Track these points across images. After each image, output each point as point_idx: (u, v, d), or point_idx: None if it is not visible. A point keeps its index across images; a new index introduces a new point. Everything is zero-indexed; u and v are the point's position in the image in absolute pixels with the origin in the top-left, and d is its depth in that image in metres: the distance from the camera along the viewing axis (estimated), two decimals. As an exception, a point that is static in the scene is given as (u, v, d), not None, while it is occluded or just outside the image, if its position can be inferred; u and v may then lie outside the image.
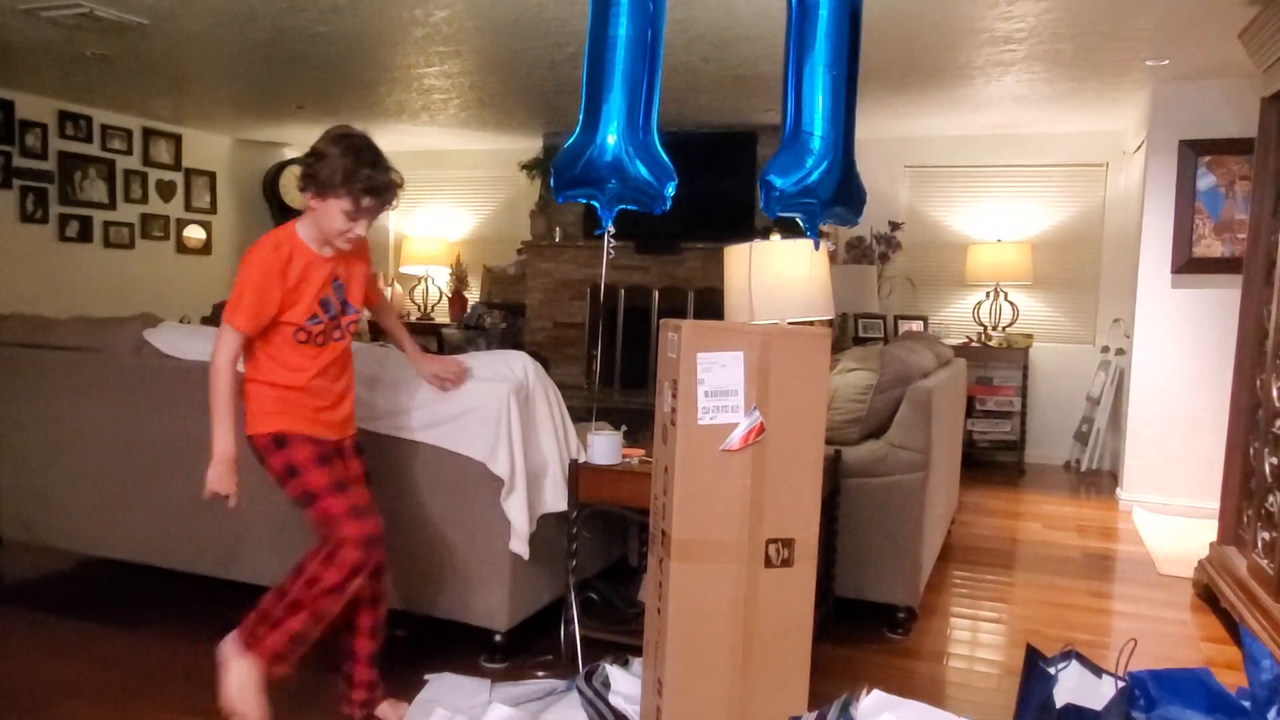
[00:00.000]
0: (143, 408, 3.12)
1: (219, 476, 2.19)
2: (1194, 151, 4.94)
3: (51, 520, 3.33)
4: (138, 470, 3.14)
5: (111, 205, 7.06)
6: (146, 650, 2.86)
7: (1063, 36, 4.22)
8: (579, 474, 2.78)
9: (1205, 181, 4.94)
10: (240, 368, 2.26)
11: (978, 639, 3.21)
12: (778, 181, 2.29)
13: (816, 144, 2.31)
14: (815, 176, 2.29)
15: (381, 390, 2.77)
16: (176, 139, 7.53)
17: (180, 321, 3.50)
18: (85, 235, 6.89)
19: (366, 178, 2.15)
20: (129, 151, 7.16)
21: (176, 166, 7.57)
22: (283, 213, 8.03)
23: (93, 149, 6.90)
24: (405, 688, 2.59)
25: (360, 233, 2.23)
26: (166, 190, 7.50)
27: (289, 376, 2.25)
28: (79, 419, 3.24)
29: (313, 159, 2.18)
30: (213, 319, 6.17)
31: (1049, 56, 4.54)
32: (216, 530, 3.03)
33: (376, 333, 7.58)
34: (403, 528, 2.79)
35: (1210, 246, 4.96)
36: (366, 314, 2.75)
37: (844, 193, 2.41)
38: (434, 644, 2.94)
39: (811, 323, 3.46)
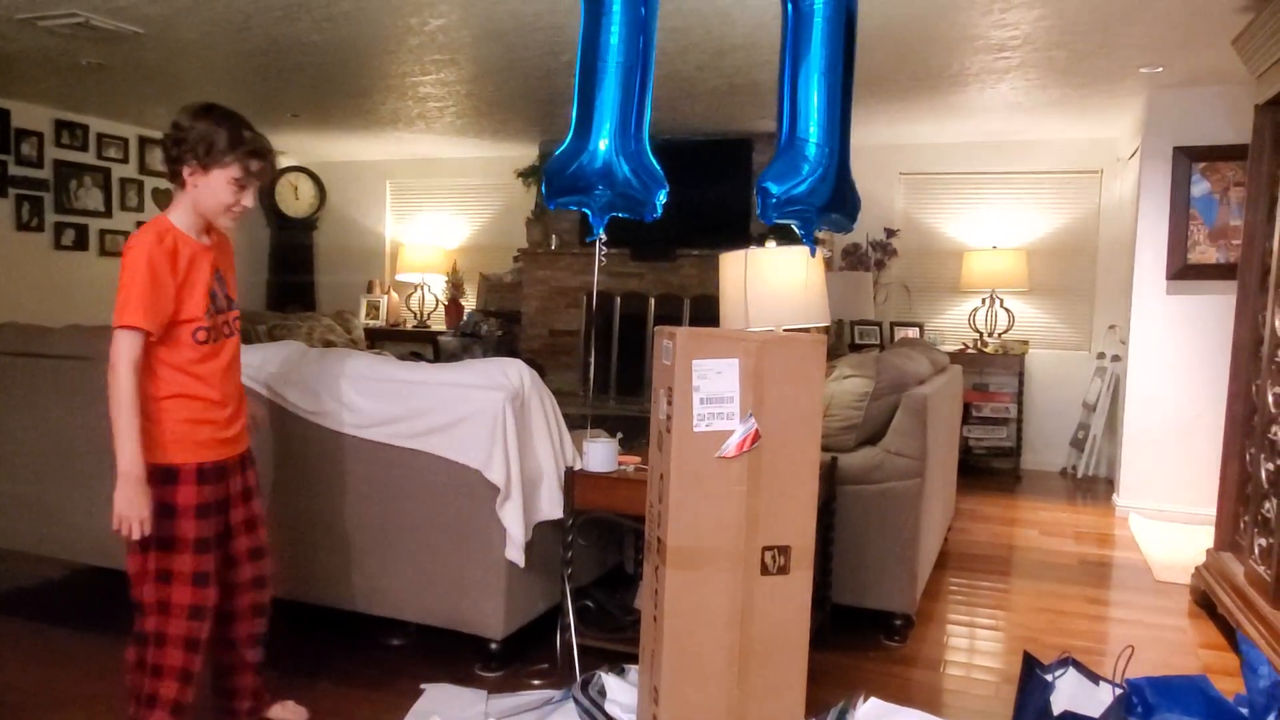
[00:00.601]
0: (137, 416, 3.11)
1: (130, 499, 1.98)
2: (1188, 158, 4.96)
3: (46, 529, 3.32)
4: (132, 479, 3.13)
5: (108, 213, 7.06)
6: (140, 660, 2.85)
7: (1057, 44, 4.23)
8: (575, 481, 2.77)
9: (1200, 188, 4.96)
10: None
11: (975, 646, 3.20)
12: (774, 188, 2.30)
13: (812, 150, 2.31)
14: (811, 183, 2.29)
15: (377, 397, 2.77)
16: (172, 147, 7.53)
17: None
18: (81, 244, 6.89)
19: (251, 139, 2.08)
20: (125, 160, 7.17)
21: (172, 175, 7.56)
22: (279, 221, 8.04)
23: (89, 157, 6.90)
24: (402, 697, 2.58)
25: (249, 203, 2.12)
26: (163, 199, 7.49)
27: (196, 385, 2.10)
28: (73, 427, 3.23)
29: (182, 134, 2.04)
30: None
31: (1043, 64, 4.56)
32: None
33: (373, 339, 7.59)
34: (397, 536, 2.78)
35: (1205, 253, 4.97)
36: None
37: (840, 199, 2.41)
38: (429, 653, 2.93)
39: (807, 330, 3.46)
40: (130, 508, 1.99)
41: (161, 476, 2.07)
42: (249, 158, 2.07)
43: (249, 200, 2.11)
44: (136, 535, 2.01)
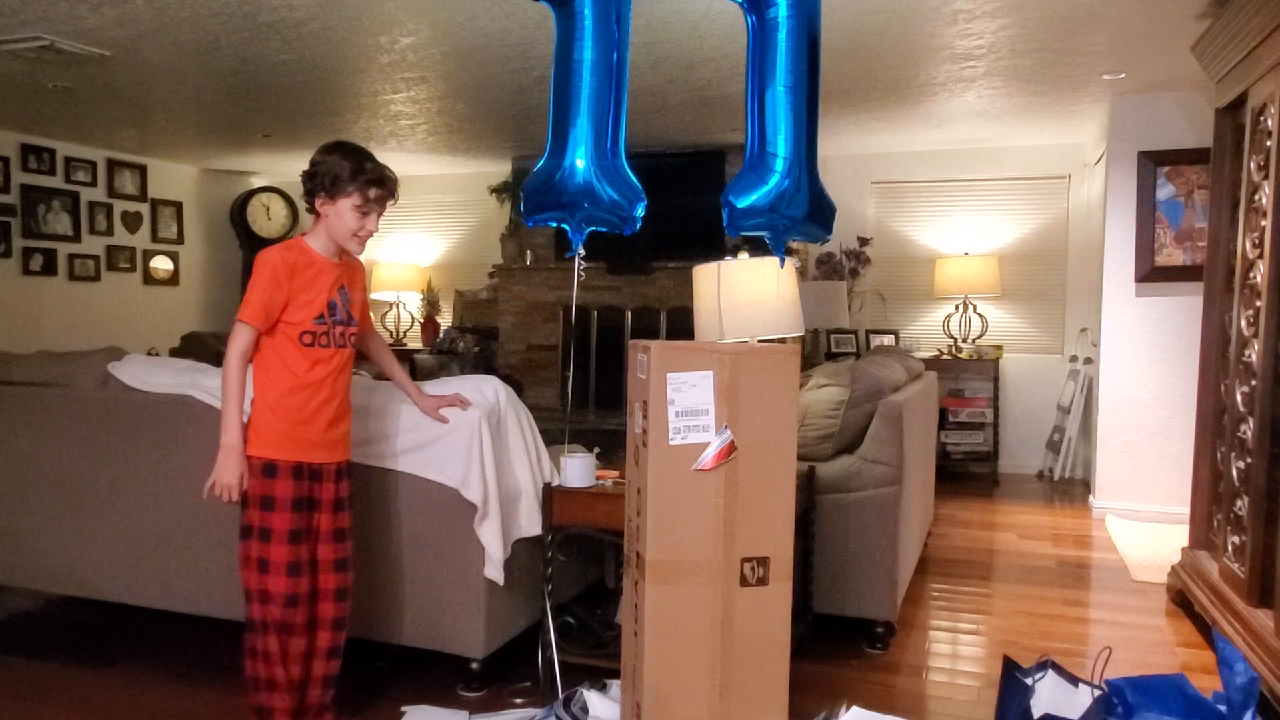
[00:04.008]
0: (108, 442, 3.08)
1: (225, 465, 2.25)
2: (1153, 162, 5.03)
3: (16, 560, 3.26)
4: (103, 506, 3.09)
5: (76, 238, 6.98)
6: (116, 690, 2.81)
7: (1020, 52, 4.29)
8: (553, 497, 2.76)
9: (1165, 191, 5.03)
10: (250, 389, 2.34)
11: (956, 651, 3.21)
12: (738, 201, 2.31)
13: (780, 164, 2.33)
14: (778, 195, 2.31)
15: (355, 418, 2.74)
16: (142, 170, 7.47)
17: (149, 354, 3.46)
18: (49, 268, 6.81)
19: (370, 169, 2.31)
20: (93, 183, 7.10)
21: (142, 197, 7.50)
22: (251, 241, 7.98)
23: (56, 181, 6.82)
24: (381, 720, 2.56)
25: (372, 228, 2.36)
26: (132, 221, 7.43)
27: (305, 388, 2.32)
28: (43, 455, 3.18)
29: (314, 169, 2.31)
30: (183, 350, 6.10)
31: (1008, 72, 4.62)
32: (184, 565, 2.98)
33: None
34: (376, 556, 2.76)
35: (1172, 255, 5.04)
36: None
37: (812, 209, 2.43)
38: (410, 674, 2.90)
39: (782, 340, 3.48)
40: (223, 474, 2.25)
41: (263, 469, 2.30)
42: (368, 186, 2.31)
43: (373, 225, 2.36)
44: (226, 499, 2.26)
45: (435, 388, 2.77)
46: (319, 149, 2.34)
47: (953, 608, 3.64)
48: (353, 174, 2.29)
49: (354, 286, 2.45)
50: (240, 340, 2.27)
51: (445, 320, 7.86)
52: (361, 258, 2.54)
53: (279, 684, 2.32)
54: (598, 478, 2.82)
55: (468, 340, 7.29)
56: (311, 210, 2.35)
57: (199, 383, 2.96)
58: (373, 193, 2.31)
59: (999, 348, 6.34)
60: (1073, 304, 6.37)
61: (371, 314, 2.69)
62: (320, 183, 2.30)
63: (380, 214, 2.37)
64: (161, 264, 7.67)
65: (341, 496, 2.43)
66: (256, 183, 8.23)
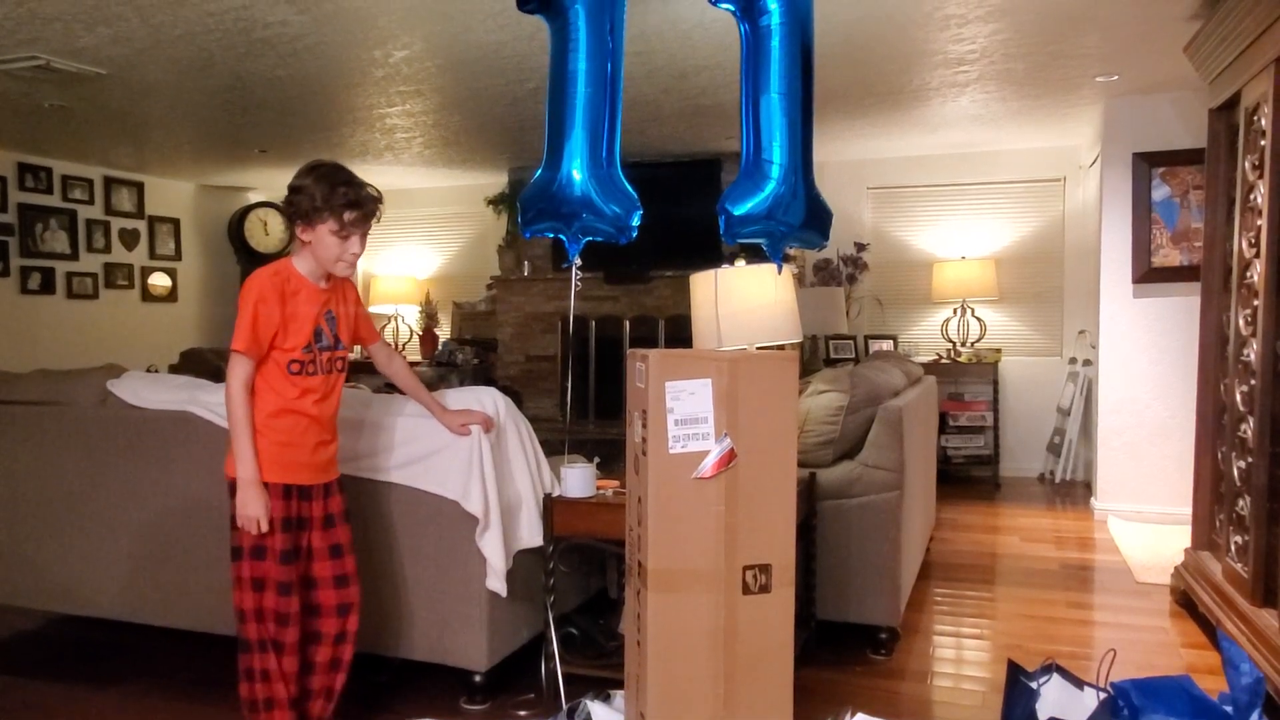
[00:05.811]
0: (107, 460, 3.07)
1: (248, 500, 2.23)
2: (1148, 163, 5.04)
3: (17, 578, 3.26)
4: (104, 523, 3.09)
5: (74, 256, 6.99)
6: (118, 709, 2.80)
7: (1013, 56, 4.30)
8: (554, 508, 2.76)
9: (1160, 192, 5.04)
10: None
11: (961, 656, 3.21)
12: (734, 209, 2.31)
13: (776, 171, 2.33)
14: (774, 201, 2.31)
15: (352, 432, 2.74)
16: (139, 187, 7.48)
17: (148, 370, 3.46)
18: (48, 287, 6.81)
19: (344, 194, 2.24)
20: (90, 201, 7.11)
21: (139, 214, 7.51)
22: (249, 257, 7.99)
23: (53, 200, 6.84)
24: (385, 734, 2.55)
25: (356, 250, 2.30)
26: (130, 239, 7.44)
27: (292, 411, 2.30)
28: (42, 474, 3.18)
29: (292, 194, 2.26)
30: (181, 366, 6.10)
31: (1001, 76, 4.63)
32: (186, 581, 2.97)
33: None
34: (377, 570, 2.75)
35: (1168, 256, 5.04)
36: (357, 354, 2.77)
37: (809, 216, 2.43)
38: (413, 687, 2.89)
39: (780, 347, 3.48)
40: (246, 508, 2.24)
41: None
42: (343, 210, 2.24)
43: (356, 247, 2.29)
44: (256, 532, 2.25)
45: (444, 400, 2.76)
46: (297, 172, 2.28)
47: (956, 612, 3.63)
48: (326, 200, 2.22)
49: (342, 312, 2.41)
50: (238, 371, 2.24)
51: (444, 332, 7.86)
52: (359, 270, 2.51)
53: (279, 701, 2.31)
54: (598, 487, 2.81)
55: (466, 352, 7.29)
56: (295, 239, 2.32)
57: (198, 399, 2.96)
58: (348, 216, 2.24)
59: (998, 351, 6.34)
60: (1070, 306, 6.37)
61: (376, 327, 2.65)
62: (297, 211, 2.25)
63: (363, 235, 2.30)
64: (159, 280, 7.68)
65: (332, 513, 2.40)
66: (254, 198, 8.24)
